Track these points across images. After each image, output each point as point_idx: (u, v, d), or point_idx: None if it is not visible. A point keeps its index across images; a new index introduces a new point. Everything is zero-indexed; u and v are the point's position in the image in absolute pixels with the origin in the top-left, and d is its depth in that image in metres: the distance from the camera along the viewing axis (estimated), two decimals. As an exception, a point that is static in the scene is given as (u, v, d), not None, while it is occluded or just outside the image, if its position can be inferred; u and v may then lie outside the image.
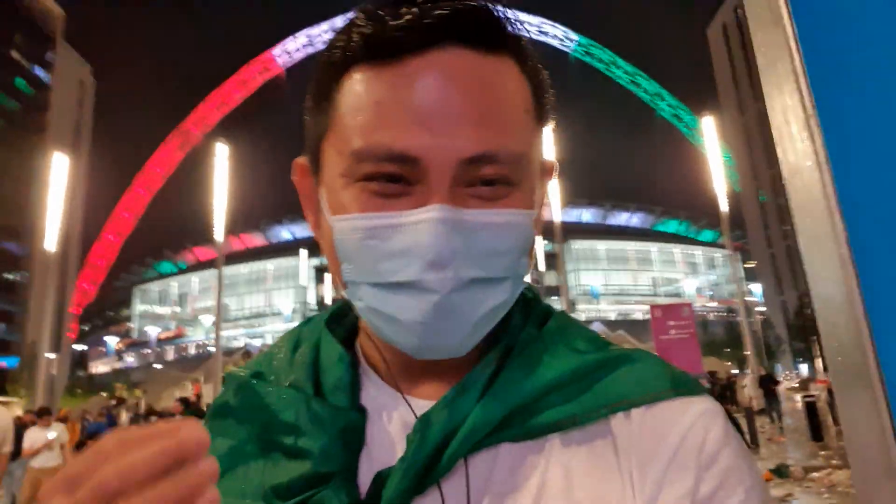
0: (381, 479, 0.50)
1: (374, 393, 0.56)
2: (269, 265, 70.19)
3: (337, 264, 0.53)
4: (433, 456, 0.49)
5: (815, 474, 9.04)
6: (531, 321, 0.58)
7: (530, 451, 0.51)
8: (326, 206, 0.53)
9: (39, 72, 59.53)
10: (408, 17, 0.48)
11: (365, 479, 0.51)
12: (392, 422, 0.54)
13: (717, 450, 0.48)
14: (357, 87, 0.51)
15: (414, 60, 0.49)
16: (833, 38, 0.66)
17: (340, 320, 0.63)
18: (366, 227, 0.49)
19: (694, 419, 0.50)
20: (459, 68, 0.49)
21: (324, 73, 0.54)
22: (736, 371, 30.15)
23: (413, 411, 0.53)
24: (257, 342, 59.81)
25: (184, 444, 0.33)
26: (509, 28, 0.52)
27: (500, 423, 0.51)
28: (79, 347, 65.89)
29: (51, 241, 22.86)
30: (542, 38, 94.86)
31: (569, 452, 0.50)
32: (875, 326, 0.60)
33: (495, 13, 0.51)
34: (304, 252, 65.74)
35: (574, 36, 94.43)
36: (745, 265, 67.41)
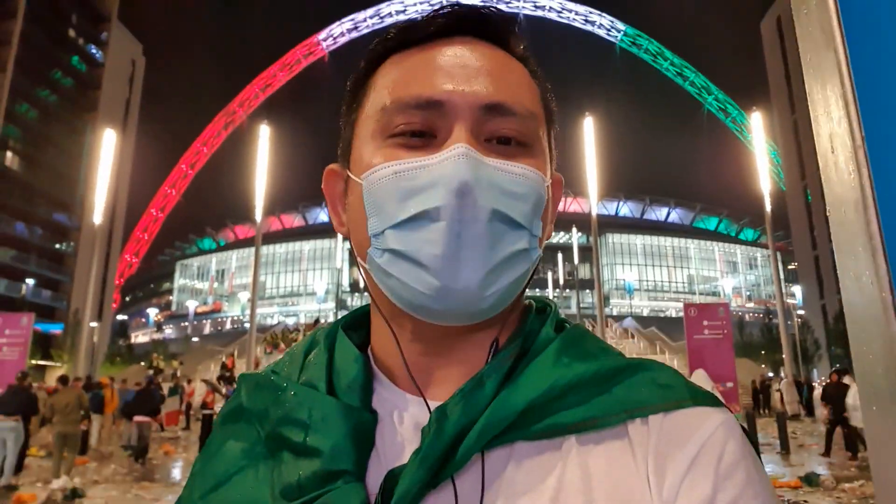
0: (392, 476, 0.49)
1: (386, 396, 0.57)
2: (306, 246, 71.19)
3: (363, 229, 0.54)
4: (449, 449, 0.49)
5: (846, 485, 8.81)
6: (548, 325, 0.59)
7: (547, 451, 0.51)
8: (356, 177, 0.56)
9: (94, 50, 61.19)
10: (434, 14, 0.57)
11: (374, 481, 0.51)
12: (403, 424, 0.54)
13: (735, 461, 0.49)
14: (389, 68, 0.58)
15: (437, 41, 0.57)
16: (887, 63, 0.62)
17: (355, 329, 0.64)
18: (394, 172, 0.52)
19: (713, 429, 0.50)
20: (479, 46, 0.57)
21: (360, 68, 0.60)
22: (770, 374, 29.49)
23: (429, 408, 0.53)
24: (291, 320, 60.88)
25: None
26: (522, 42, 0.60)
27: (516, 421, 0.51)
28: (121, 317, 68.10)
29: (98, 214, 23.58)
30: (589, 27, 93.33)
31: (586, 453, 0.50)
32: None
33: (510, 23, 0.59)
34: (340, 235, 66.17)
35: (621, 26, 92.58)
36: (787, 267, 65.55)
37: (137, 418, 12.50)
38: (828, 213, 0.67)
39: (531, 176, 0.54)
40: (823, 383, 12.55)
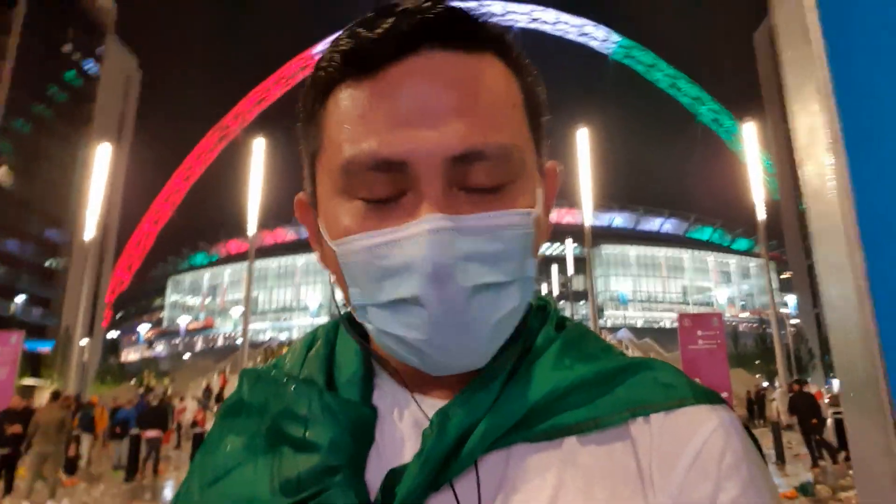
0: (393, 475, 0.49)
1: (387, 392, 0.56)
2: (299, 260, 70.88)
3: (346, 292, 0.53)
4: (450, 452, 0.49)
5: (842, 494, 8.76)
6: (549, 324, 0.58)
7: (546, 452, 0.50)
8: (326, 233, 0.53)
9: (90, 64, 61.16)
10: (383, 26, 0.49)
11: (373, 477, 0.50)
12: (403, 421, 0.54)
13: (737, 460, 0.48)
14: (341, 104, 0.51)
15: (392, 69, 0.49)
16: (863, 60, 0.63)
17: (357, 324, 0.61)
18: (364, 248, 0.49)
19: (715, 427, 0.49)
20: (438, 69, 0.49)
21: (309, 96, 0.54)
22: (765, 384, 29.44)
23: (423, 411, 0.53)
24: (284, 336, 60.53)
25: None
26: (489, 27, 0.52)
27: (518, 423, 0.50)
28: (111, 335, 67.54)
29: (90, 229, 23.46)
30: (583, 38, 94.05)
31: (587, 454, 0.50)
32: (889, 359, 0.60)
33: (470, 13, 0.51)
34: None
35: (615, 37, 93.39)
36: (781, 276, 65.74)
37: (148, 433, 12.55)
38: (806, 205, 0.68)
39: (516, 222, 0.50)
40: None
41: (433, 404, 0.52)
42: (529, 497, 0.48)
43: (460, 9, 0.51)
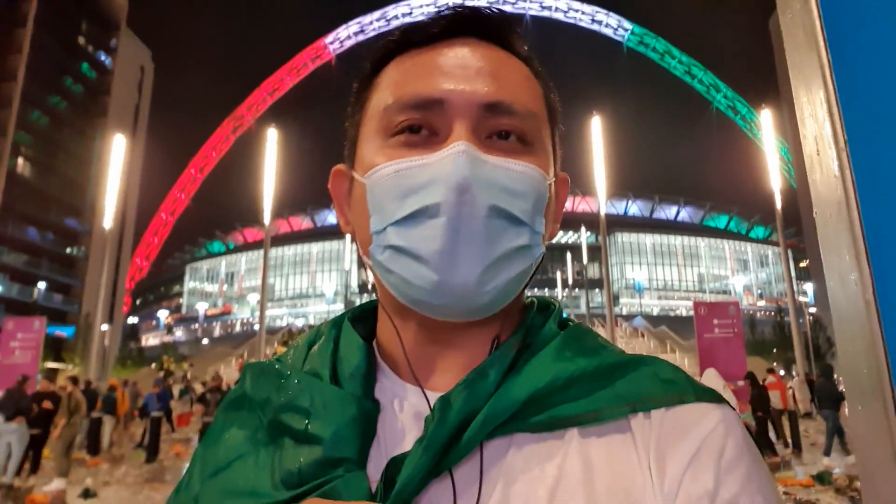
0: (395, 464, 0.49)
1: (389, 385, 0.57)
2: (314, 248, 71.32)
3: (366, 227, 0.55)
4: (452, 437, 0.49)
5: (859, 483, 8.68)
6: (551, 321, 0.59)
7: (548, 442, 0.51)
8: (359, 175, 0.57)
9: (103, 57, 61.64)
10: (437, 17, 0.58)
11: (375, 469, 0.51)
12: (404, 413, 0.55)
13: (737, 456, 0.49)
14: (393, 68, 0.59)
15: (439, 43, 0.57)
16: (868, 66, 0.63)
17: (361, 321, 0.64)
18: (395, 170, 0.52)
19: (714, 424, 0.50)
20: (480, 47, 0.57)
21: (365, 69, 0.62)
22: (782, 373, 29.26)
23: (427, 400, 0.53)
24: (300, 322, 61.04)
25: None
26: (522, 41, 0.61)
27: (519, 412, 0.51)
28: (131, 320, 68.50)
29: (108, 218, 23.74)
30: (596, 26, 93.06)
31: (588, 445, 0.51)
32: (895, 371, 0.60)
33: (514, 25, 0.60)
34: (348, 236, 66.07)
35: (628, 25, 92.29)
36: (799, 264, 65.01)
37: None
38: (814, 215, 0.68)
39: (531, 173, 0.54)
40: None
41: (434, 396, 0.53)
42: (530, 486, 0.49)
43: (506, 15, 0.60)
